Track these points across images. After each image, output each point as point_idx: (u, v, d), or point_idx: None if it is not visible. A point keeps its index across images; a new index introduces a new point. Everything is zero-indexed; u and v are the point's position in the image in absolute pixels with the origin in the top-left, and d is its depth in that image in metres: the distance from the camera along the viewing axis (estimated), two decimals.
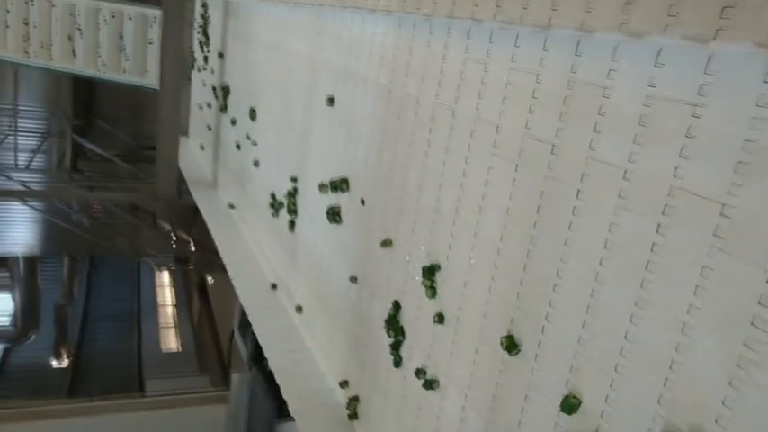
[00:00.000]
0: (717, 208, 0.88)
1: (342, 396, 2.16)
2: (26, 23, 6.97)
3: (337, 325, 2.28)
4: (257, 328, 2.47)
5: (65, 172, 10.36)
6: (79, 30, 6.83)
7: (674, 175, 0.94)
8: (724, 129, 0.88)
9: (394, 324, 1.81)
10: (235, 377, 3.27)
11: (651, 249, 0.98)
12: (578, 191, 1.11)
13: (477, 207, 1.32)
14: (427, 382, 1.64)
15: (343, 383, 2.15)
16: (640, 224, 1.01)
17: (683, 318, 0.93)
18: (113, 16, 6.81)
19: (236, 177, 3.76)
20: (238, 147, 3.68)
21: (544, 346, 1.22)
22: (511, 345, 1.30)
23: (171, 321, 14.93)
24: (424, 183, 1.62)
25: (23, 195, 9.26)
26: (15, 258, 12.01)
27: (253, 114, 3.37)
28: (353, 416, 2.08)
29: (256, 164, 3.28)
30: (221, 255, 3.13)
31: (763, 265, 0.82)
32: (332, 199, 2.30)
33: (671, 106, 0.93)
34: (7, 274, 12.37)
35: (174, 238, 12.21)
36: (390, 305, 1.86)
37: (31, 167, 10.54)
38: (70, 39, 6.94)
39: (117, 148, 11.36)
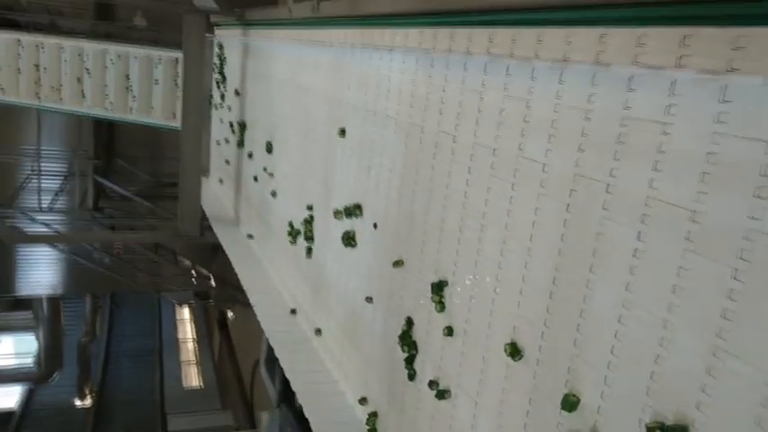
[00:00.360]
0: (687, 214, 0.98)
1: (361, 413, 2.24)
2: (37, 68, 7.29)
3: (355, 344, 2.36)
4: (280, 354, 2.54)
5: (87, 211, 10.59)
6: (87, 71, 7.15)
7: (649, 187, 1.04)
8: (690, 144, 0.98)
9: (407, 339, 1.90)
10: (263, 416, 3.25)
11: (634, 255, 1.07)
12: (568, 205, 1.18)
13: (479, 226, 1.44)
14: (440, 393, 1.72)
15: (362, 400, 2.24)
16: (623, 232, 1.10)
17: (664, 315, 1.02)
18: (119, 57, 7.12)
19: (255, 209, 3.89)
20: (255, 179, 3.83)
21: (544, 350, 1.30)
22: (514, 351, 1.38)
23: (192, 357, 15.00)
24: (431, 205, 1.74)
25: (50, 240, 9.49)
26: (39, 299, 12.20)
27: (269, 147, 3.52)
28: (373, 431, 2.16)
29: (274, 194, 3.42)
30: (242, 282, 3.21)
31: (730, 263, 0.91)
32: (346, 224, 2.41)
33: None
34: (31, 315, 12.54)
35: (194, 274, 12.36)
36: (404, 321, 1.95)
37: (54, 208, 10.80)
38: (79, 81, 7.25)
39: (136, 186, 11.62)
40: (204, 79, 3.90)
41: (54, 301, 12.41)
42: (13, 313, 13.12)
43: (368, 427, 2.16)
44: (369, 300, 2.21)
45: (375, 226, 2.16)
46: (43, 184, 10.60)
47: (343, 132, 2.45)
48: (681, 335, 0.98)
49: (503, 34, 1.37)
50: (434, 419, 1.77)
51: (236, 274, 3.62)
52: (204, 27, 3.73)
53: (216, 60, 4.80)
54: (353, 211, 2.30)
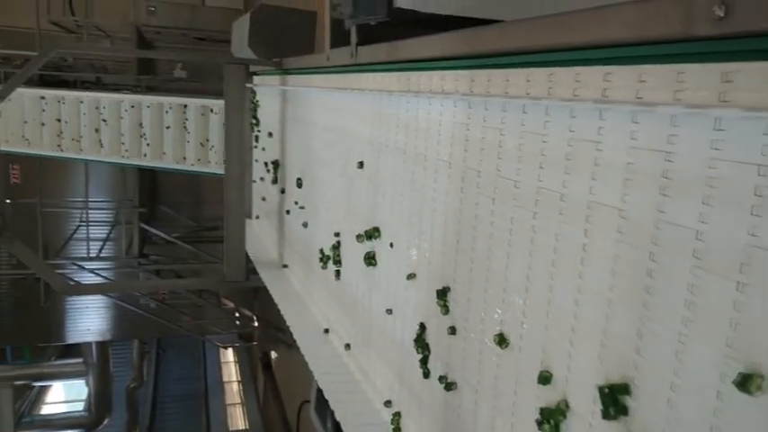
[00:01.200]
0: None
1: (386, 414, 2.46)
2: (58, 120, 7.65)
3: (379, 353, 2.59)
4: (331, 399, 2.52)
5: (133, 258, 10.85)
6: (104, 121, 7.48)
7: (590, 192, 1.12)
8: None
9: (421, 342, 2.13)
10: None
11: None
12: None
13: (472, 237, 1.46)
14: (447, 385, 1.95)
15: (387, 403, 2.45)
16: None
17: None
18: (132, 107, 7.40)
19: (288, 241, 4.14)
20: (288, 212, 4.09)
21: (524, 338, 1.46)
22: (501, 340, 1.60)
23: (237, 399, 15.03)
24: (435, 222, 1.91)
25: (103, 290, 9.75)
26: (88, 345, 12.45)
27: (299, 183, 3.78)
28: (397, 429, 2.37)
29: (305, 225, 3.64)
30: (289, 326, 3.20)
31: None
32: (367, 246, 2.64)
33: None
34: (81, 361, 12.78)
35: (238, 315, 12.47)
36: (417, 327, 2.18)
37: (102, 256, 11.10)
38: (97, 131, 7.56)
39: (179, 231, 11.88)
40: (245, 126, 3.98)
41: (103, 346, 12.64)
42: (64, 360, 13.39)
43: (393, 426, 2.37)
44: (389, 311, 2.46)
45: (391, 245, 2.41)
46: (91, 233, 10.92)
47: (361, 165, 2.72)
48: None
49: (563, 74, 1.34)
50: (445, 408, 2.01)
51: (278, 315, 3.77)
52: (244, 77, 3.82)
53: (250, 104, 5.08)
54: (373, 233, 2.55)
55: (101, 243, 11.10)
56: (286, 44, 4.37)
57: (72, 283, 9.34)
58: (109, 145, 7.56)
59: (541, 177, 1.44)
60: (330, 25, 2.99)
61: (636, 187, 1.16)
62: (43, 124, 7.72)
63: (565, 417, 1.37)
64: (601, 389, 1.22)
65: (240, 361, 16.48)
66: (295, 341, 3.24)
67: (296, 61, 3.75)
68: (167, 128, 7.30)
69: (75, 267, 10.90)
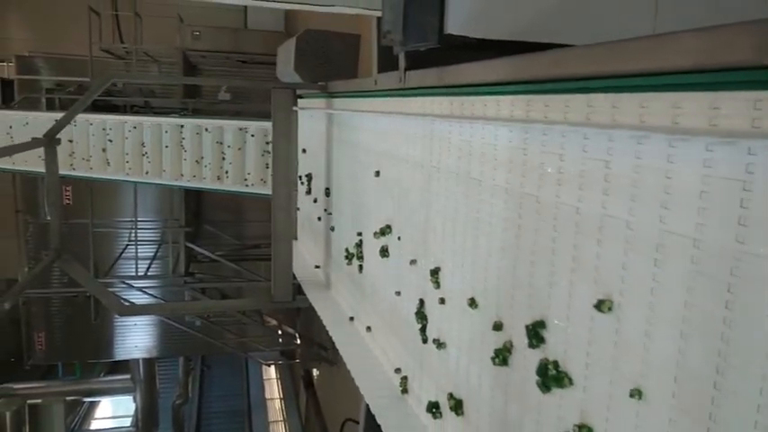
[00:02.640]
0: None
1: (396, 379, 2.86)
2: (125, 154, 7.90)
3: (391, 329, 3.00)
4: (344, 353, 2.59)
5: (179, 277, 11.08)
6: (144, 149, 7.73)
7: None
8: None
9: (420, 314, 2.56)
10: None
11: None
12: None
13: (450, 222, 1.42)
14: (439, 345, 2.34)
15: (397, 370, 2.85)
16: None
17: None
18: (203, 131, 7.59)
19: (319, 244, 4.61)
20: (319, 219, 4.51)
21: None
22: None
23: (279, 416, 15.10)
24: (430, 214, 1.87)
25: (156, 311, 9.98)
26: (136, 361, 12.72)
27: (327, 192, 4.27)
28: (404, 390, 2.76)
29: (332, 229, 4.14)
30: (340, 352, 3.22)
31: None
32: (382, 241, 3.07)
33: None
34: (129, 377, 13.05)
35: (280, 333, 12.57)
36: (417, 302, 2.59)
37: (149, 275, 11.38)
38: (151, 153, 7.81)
39: (223, 249, 12.10)
40: (292, 149, 4.03)
41: (150, 363, 12.90)
42: (113, 377, 13.71)
43: (401, 388, 2.78)
44: (397, 293, 2.87)
45: (399, 238, 2.87)
46: (139, 252, 11.22)
47: (378, 174, 3.16)
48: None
49: (628, 100, 1.33)
50: (439, 366, 2.41)
51: (320, 332, 4.06)
52: (291, 101, 3.89)
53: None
54: (385, 230, 3.02)
55: (148, 262, 11.38)
56: (331, 68, 4.44)
57: (125, 303, 9.61)
58: (171, 167, 7.77)
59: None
60: (378, 49, 3.03)
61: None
62: (104, 150, 8.00)
63: None
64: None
65: (282, 378, 16.59)
66: (338, 358, 3.34)
67: (343, 85, 3.79)
68: (229, 147, 7.49)
69: (124, 286, 11.21)
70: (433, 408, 2.40)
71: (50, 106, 10.37)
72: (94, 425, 15.19)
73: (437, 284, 2.37)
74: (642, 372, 1.29)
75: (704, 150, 1.12)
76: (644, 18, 1.97)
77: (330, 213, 4.24)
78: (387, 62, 2.98)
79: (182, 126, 7.61)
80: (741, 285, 1.07)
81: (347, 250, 3.70)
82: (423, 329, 2.53)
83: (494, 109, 1.90)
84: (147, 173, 7.83)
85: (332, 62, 4.44)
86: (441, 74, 2.30)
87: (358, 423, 9.62)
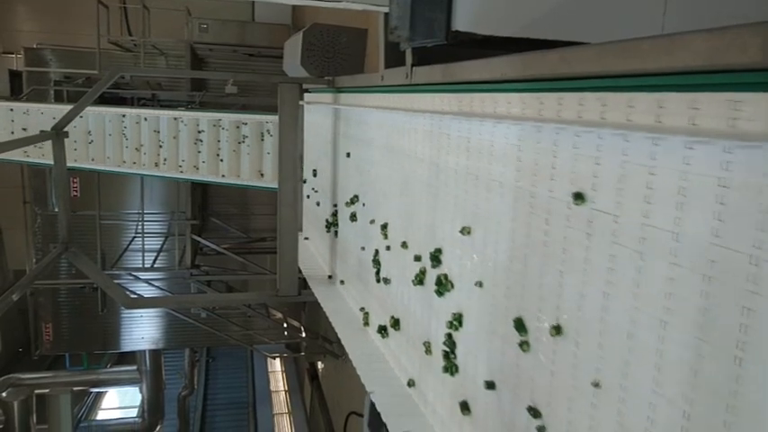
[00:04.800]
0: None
1: (360, 315, 3.39)
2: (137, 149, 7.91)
3: (359, 279, 3.50)
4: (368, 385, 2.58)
5: (186, 269, 11.13)
6: (174, 138, 7.71)
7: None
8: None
9: (376, 261, 3.14)
10: None
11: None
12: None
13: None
14: (386, 281, 3.02)
15: (361, 309, 3.41)
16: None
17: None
18: (215, 125, 7.57)
19: (314, 224, 4.83)
20: (318, 204, 4.71)
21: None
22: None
23: (284, 408, 15.18)
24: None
25: (164, 304, 10.05)
26: (142, 353, 12.81)
27: (314, 173, 4.71)
28: (366, 324, 3.30)
29: (316, 202, 4.70)
30: (348, 353, 3.22)
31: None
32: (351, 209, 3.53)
33: None
34: (135, 368, 13.15)
35: (286, 326, 12.61)
36: (374, 251, 3.16)
37: (156, 267, 11.44)
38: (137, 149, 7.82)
39: (228, 242, 12.15)
40: (298, 144, 4.04)
41: (156, 355, 12.98)
42: (119, 367, 13.81)
43: (363, 321, 3.33)
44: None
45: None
46: (146, 244, 11.28)
47: (348, 155, 3.61)
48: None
49: (644, 100, 1.33)
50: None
51: (326, 326, 4.11)
52: (298, 96, 3.89)
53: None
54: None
55: (155, 254, 11.44)
56: (338, 62, 4.43)
57: (133, 296, 9.66)
58: (187, 160, 7.75)
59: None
60: (384, 45, 3.02)
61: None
62: (108, 135, 8.01)
63: None
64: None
65: (287, 370, 16.67)
66: (343, 352, 3.37)
67: (349, 80, 3.79)
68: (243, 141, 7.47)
69: (131, 277, 11.27)
70: (382, 330, 3.08)
71: (59, 98, 10.42)
72: (101, 415, 15.32)
73: (386, 237, 3.01)
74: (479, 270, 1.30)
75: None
76: (653, 16, 1.96)
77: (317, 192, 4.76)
78: (394, 58, 2.98)
79: (197, 120, 7.61)
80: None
81: (328, 221, 4.31)
82: (377, 273, 3.15)
83: (505, 106, 1.90)
84: (157, 165, 7.85)
85: (339, 57, 4.44)
86: (447, 70, 2.30)
87: (362, 416, 9.68)
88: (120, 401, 16.20)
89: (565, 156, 1.61)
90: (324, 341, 12.19)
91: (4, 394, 11.51)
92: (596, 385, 1.42)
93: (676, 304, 1.21)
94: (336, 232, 4.12)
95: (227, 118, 7.49)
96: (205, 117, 7.56)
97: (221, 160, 7.56)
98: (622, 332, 1.35)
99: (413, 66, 2.60)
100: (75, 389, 12.36)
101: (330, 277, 4.29)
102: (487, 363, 1.99)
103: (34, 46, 11.22)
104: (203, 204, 12.31)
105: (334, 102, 4.09)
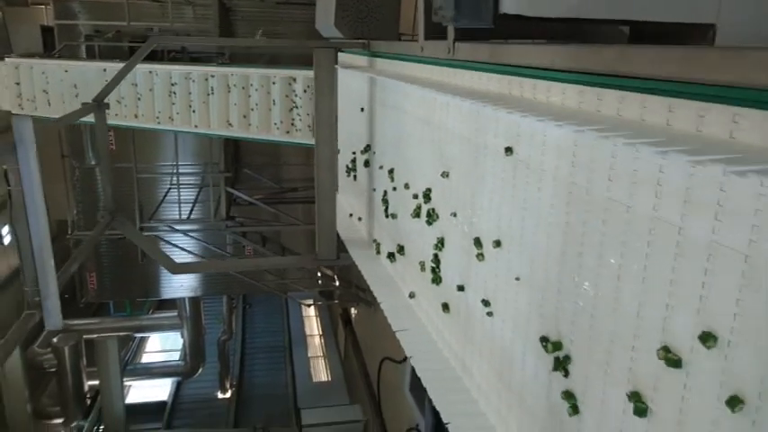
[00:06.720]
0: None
1: (373, 246, 3.93)
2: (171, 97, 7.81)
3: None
4: (434, 397, 2.57)
5: (221, 220, 11.34)
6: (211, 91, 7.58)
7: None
8: None
9: (384, 200, 3.65)
10: None
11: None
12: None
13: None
14: (393, 216, 3.52)
15: (374, 240, 3.82)
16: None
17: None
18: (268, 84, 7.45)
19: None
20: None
21: None
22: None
23: (319, 352, 15.66)
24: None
25: (205, 269, 10.24)
26: (182, 300, 13.24)
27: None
28: (378, 252, 3.77)
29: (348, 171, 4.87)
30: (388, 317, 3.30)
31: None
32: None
33: None
34: (176, 314, 13.63)
35: (320, 275, 12.85)
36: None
37: (192, 219, 11.66)
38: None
39: (261, 192, 12.28)
40: (334, 108, 4.00)
41: (195, 301, 13.41)
42: (161, 313, 14.32)
43: (375, 250, 3.93)
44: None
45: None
46: (181, 196, 11.46)
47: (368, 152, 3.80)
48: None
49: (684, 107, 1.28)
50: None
51: (357, 274, 4.40)
52: (334, 61, 3.83)
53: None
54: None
55: (190, 206, 11.64)
56: (371, 23, 4.32)
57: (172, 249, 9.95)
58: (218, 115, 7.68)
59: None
60: (424, 10, 2.92)
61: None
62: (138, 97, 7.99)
63: None
64: None
65: (321, 316, 17.09)
66: (376, 300, 3.56)
67: (386, 46, 3.71)
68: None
69: (168, 229, 11.54)
70: (390, 255, 3.66)
71: (90, 54, 10.42)
72: (146, 358, 16.03)
73: (392, 180, 3.54)
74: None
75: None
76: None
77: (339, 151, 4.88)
78: (432, 25, 2.89)
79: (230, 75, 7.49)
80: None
81: (347, 166, 4.78)
82: (386, 210, 3.70)
83: (559, 96, 1.84)
84: (195, 126, 7.83)
85: (372, 17, 4.33)
86: (493, 50, 2.23)
87: (396, 362, 9.94)
88: (162, 346, 16.89)
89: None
90: (357, 289, 12.40)
91: (55, 340, 12.09)
92: (517, 279, 2.05)
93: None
94: (355, 176, 4.54)
95: (256, 73, 7.38)
96: (237, 72, 7.46)
97: (252, 111, 7.45)
98: (535, 240, 1.84)
99: (455, 41, 2.52)
100: (119, 334, 12.90)
101: (350, 215, 4.76)
102: (459, 272, 2.61)
103: None
104: (236, 155, 12.38)
105: (369, 65, 4.01)
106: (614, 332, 1.42)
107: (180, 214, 11.46)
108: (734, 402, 1.05)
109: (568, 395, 1.62)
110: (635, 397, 1.33)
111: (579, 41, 2.50)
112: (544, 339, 1.75)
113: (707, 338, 1.12)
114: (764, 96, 1.14)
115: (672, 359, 1.21)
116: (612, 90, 1.58)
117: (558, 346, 1.66)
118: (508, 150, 1.95)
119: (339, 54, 4.88)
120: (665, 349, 1.23)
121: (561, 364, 1.64)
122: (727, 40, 1.96)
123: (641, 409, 1.31)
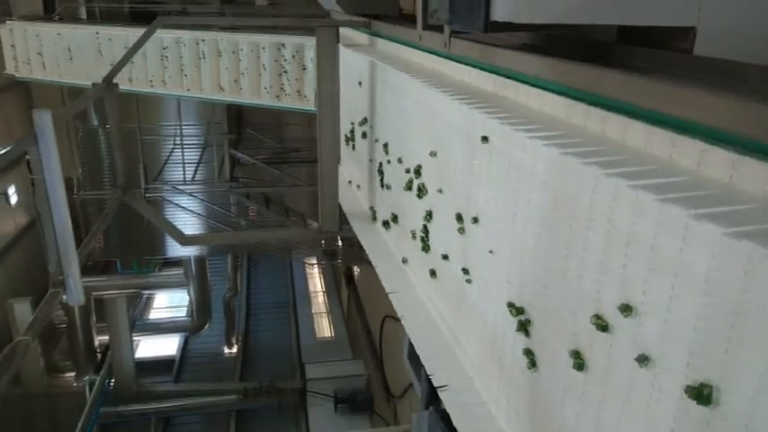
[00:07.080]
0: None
1: (369, 213, 4.32)
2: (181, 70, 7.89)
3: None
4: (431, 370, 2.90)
5: (225, 182, 11.59)
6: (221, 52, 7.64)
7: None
8: None
9: (380, 171, 3.99)
10: (414, 417, 3.68)
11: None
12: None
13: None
14: (388, 187, 3.77)
15: (371, 208, 4.21)
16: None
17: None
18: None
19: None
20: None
21: None
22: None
23: (323, 309, 16.11)
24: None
25: (213, 241, 10.41)
26: (188, 259, 13.59)
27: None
28: (374, 218, 4.18)
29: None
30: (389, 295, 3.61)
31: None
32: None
33: None
34: (182, 272, 14.00)
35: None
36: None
37: (196, 180, 11.91)
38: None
39: (264, 152, 12.48)
40: (336, 87, 4.22)
41: (200, 260, 13.76)
42: (167, 271, 14.68)
43: (372, 217, 4.34)
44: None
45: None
46: (185, 157, 11.66)
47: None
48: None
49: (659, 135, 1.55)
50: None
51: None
52: (336, 39, 4.03)
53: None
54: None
55: (194, 167, 11.87)
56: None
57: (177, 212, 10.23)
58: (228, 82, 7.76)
59: None
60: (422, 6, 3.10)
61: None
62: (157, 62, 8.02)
63: None
64: None
65: (325, 274, 17.48)
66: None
67: (387, 28, 3.91)
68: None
69: (172, 189, 11.79)
70: (385, 223, 4.01)
71: (91, 16, 10.49)
72: (153, 315, 16.51)
73: (387, 153, 3.84)
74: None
75: None
76: (689, 4, 2.03)
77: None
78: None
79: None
80: None
81: (347, 138, 5.05)
82: (381, 180, 4.02)
83: (537, 101, 2.11)
84: (188, 89, 7.97)
85: None
86: (485, 51, 2.47)
87: (397, 320, 10.30)
88: (169, 302, 17.36)
89: None
90: (360, 249, 12.68)
91: (64, 297, 12.49)
92: (491, 252, 2.32)
93: None
94: (354, 146, 4.85)
95: (246, 39, 7.45)
96: (245, 38, 7.56)
97: (242, 75, 7.54)
98: (504, 219, 2.16)
99: (450, 37, 2.74)
100: (127, 291, 13.29)
101: (350, 182, 5.12)
102: (444, 242, 2.93)
103: None
104: (238, 116, 12.53)
105: (369, 44, 4.22)
106: (562, 301, 1.74)
107: (184, 176, 11.69)
108: (642, 359, 1.37)
109: (528, 352, 1.95)
110: (575, 355, 1.65)
111: (571, 32, 2.69)
112: (511, 305, 2.07)
113: (625, 309, 1.43)
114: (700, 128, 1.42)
115: (601, 324, 1.52)
116: (581, 104, 1.85)
117: (521, 310, 1.99)
118: (484, 139, 2.20)
119: (343, 32, 5.06)
120: (597, 317, 1.55)
121: (523, 326, 1.97)
122: (708, 42, 2.12)
123: (579, 365, 1.64)
